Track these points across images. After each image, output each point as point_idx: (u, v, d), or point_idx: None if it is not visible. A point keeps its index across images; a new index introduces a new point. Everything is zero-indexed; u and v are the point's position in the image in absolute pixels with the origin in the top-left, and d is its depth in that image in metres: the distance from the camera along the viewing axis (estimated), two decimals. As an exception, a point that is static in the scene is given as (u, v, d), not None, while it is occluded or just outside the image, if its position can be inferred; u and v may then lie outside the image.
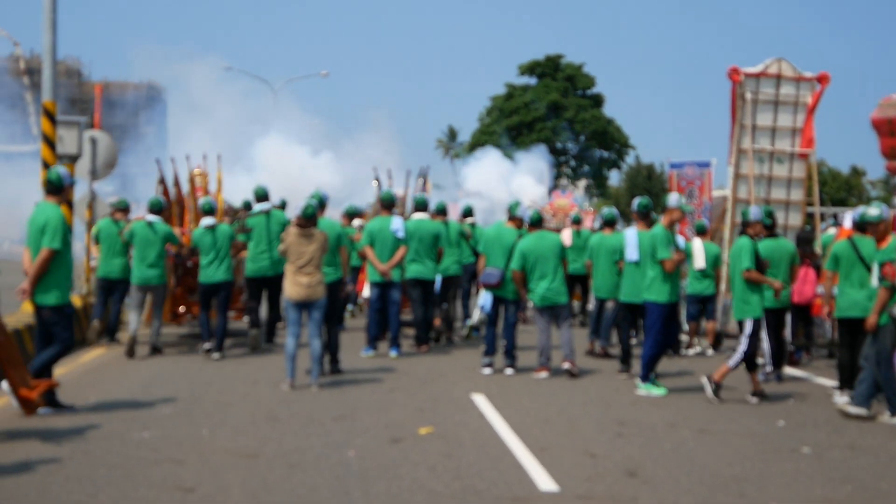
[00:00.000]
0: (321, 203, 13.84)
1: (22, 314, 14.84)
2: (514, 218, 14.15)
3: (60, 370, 13.04)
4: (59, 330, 10.23)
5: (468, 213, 18.68)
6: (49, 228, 10.02)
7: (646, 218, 13.92)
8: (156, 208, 14.98)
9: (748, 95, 17.95)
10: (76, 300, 15.92)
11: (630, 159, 74.74)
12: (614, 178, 77.91)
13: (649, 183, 73.62)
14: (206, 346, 14.66)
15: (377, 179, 21.34)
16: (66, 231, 10.23)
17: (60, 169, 10.58)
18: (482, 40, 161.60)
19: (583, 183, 73.89)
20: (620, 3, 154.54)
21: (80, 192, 17.66)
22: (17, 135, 53.05)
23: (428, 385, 12.48)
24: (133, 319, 14.57)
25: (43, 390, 9.24)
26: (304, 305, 11.98)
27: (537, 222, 13.81)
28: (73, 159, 16.52)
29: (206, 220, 14.77)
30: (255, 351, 15.18)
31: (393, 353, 14.82)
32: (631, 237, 13.64)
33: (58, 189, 10.46)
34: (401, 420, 10.28)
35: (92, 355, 14.71)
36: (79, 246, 17.75)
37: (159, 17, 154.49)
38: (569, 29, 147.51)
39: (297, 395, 11.57)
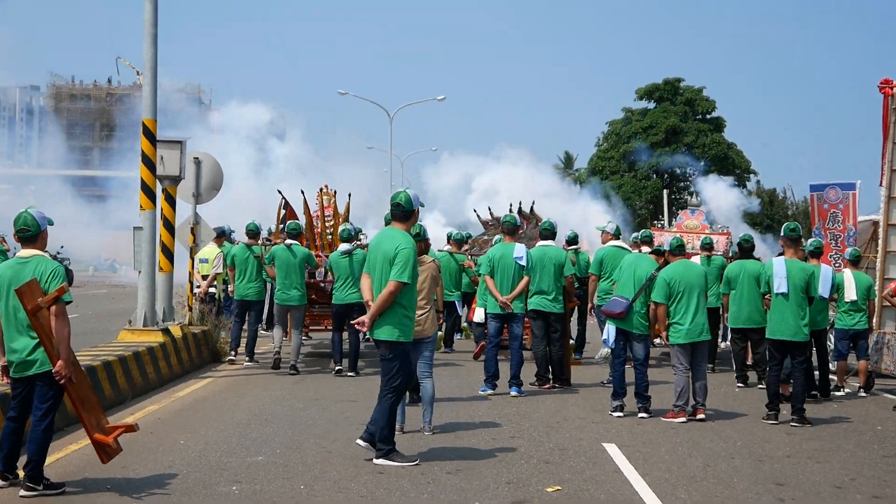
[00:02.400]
0: None
1: (117, 344, 14.00)
2: (659, 253, 13.14)
3: (153, 406, 12.21)
4: (388, 369, 9.35)
5: (573, 240, 18.13)
6: (400, 259, 9.11)
7: (796, 244, 12.52)
8: (294, 232, 15.84)
9: (903, 109, 16.31)
10: (175, 330, 15.08)
11: (751, 185, 72.38)
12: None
13: (771, 209, 71.29)
14: (338, 367, 15.30)
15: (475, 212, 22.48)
16: (416, 263, 9.38)
17: (410, 191, 9.64)
18: (599, 65, 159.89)
19: (703, 209, 71.62)
20: (741, 25, 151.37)
21: (182, 216, 16.83)
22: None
23: (553, 431, 11.16)
24: (277, 336, 15.74)
25: (119, 434, 8.15)
26: (413, 343, 10.76)
27: (679, 250, 12.58)
28: (174, 181, 15.70)
29: (344, 246, 15.28)
30: None
31: (514, 392, 13.60)
32: (779, 267, 12.26)
33: (407, 214, 9.48)
34: (524, 475, 8.98)
35: (191, 388, 13.82)
36: (182, 272, 17.11)
37: (278, 44, 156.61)
38: (688, 52, 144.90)
39: (407, 441, 10.31)
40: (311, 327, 18.49)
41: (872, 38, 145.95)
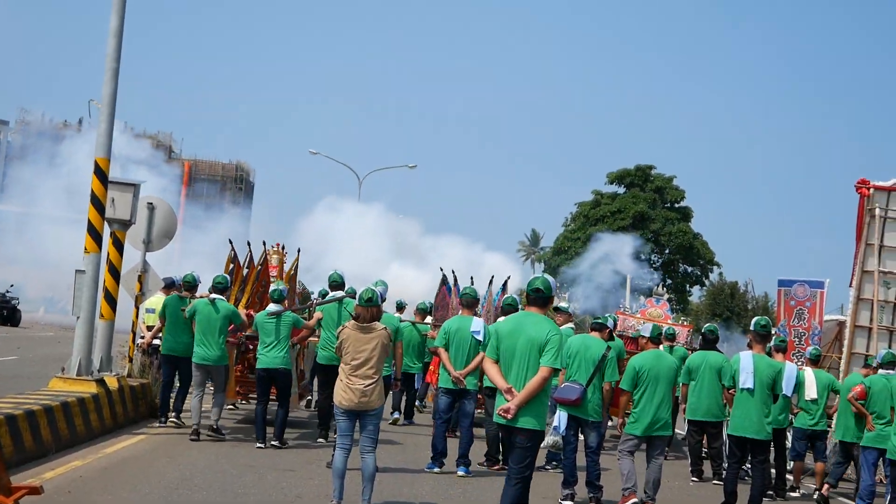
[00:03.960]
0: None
1: (46, 392, 13.23)
2: (601, 328, 12.67)
3: (77, 462, 11.48)
4: (522, 457, 8.77)
5: None
6: (552, 346, 8.64)
7: (765, 340, 12.11)
8: (220, 286, 14.69)
9: (877, 211, 16.03)
10: (111, 381, 14.34)
11: (714, 276, 72.59)
12: (695, 295, 75.77)
13: (732, 302, 71.50)
14: (259, 445, 13.83)
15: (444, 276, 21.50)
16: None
17: (548, 276, 9.15)
18: (572, 145, 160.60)
19: (664, 297, 71.61)
20: (716, 118, 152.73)
21: (130, 263, 16.14)
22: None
23: (498, 517, 10.53)
24: (194, 407, 14.19)
25: (21, 496, 7.43)
26: (356, 414, 10.15)
27: (658, 338, 12.26)
28: (124, 225, 15.01)
29: (272, 307, 14.11)
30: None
31: (461, 472, 13.00)
32: (746, 361, 11.82)
33: (546, 300, 8.99)
34: (465, 566, 8.37)
35: (122, 445, 13.06)
36: (122, 320, 16.42)
37: (251, 98, 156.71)
38: (660, 141, 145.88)
39: (343, 518, 9.70)
40: (249, 396, 16.93)
41: (845, 138, 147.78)
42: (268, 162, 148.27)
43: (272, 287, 14.71)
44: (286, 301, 14.55)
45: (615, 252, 40.56)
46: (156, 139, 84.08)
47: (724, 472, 12.73)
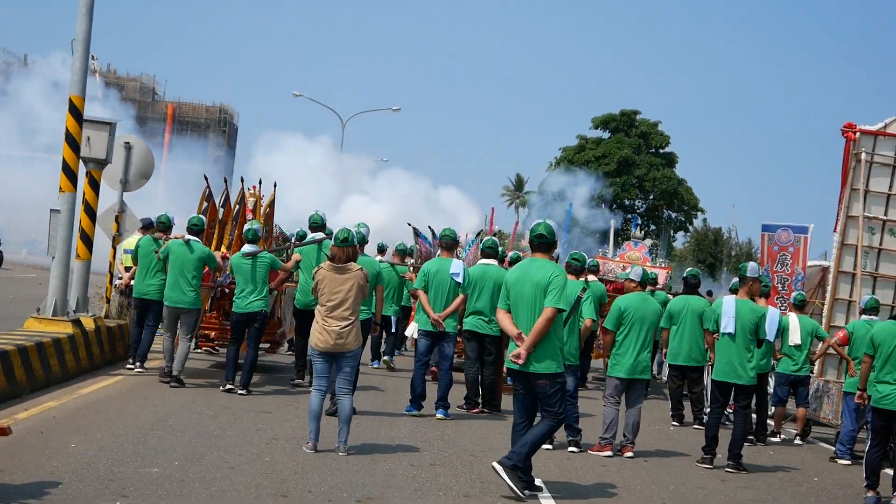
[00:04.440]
0: (362, 239, 12.52)
1: (21, 333, 13.07)
2: (577, 271, 12.55)
3: (51, 403, 11.36)
4: (552, 402, 8.97)
5: (516, 262, 17.43)
6: (555, 286, 8.88)
7: (746, 283, 11.95)
8: (195, 228, 14.20)
9: (863, 156, 15.84)
10: (88, 322, 14.18)
11: (698, 222, 72.67)
12: (679, 241, 75.96)
13: (715, 248, 71.71)
14: (228, 385, 13.46)
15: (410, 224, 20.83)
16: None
17: (550, 222, 9.32)
18: (558, 90, 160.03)
19: (648, 242, 71.62)
20: (702, 63, 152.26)
21: (107, 203, 15.89)
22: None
23: (477, 461, 10.42)
24: (166, 348, 13.88)
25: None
26: (332, 356, 10.04)
27: (647, 283, 12.21)
28: (100, 164, 14.78)
29: (247, 248, 13.72)
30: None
31: (440, 415, 12.94)
32: (728, 306, 11.68)
33: (550, 245, 9.20)
34: (441, 509, 8.29)
35: (98, 386, 12.95)
36: (101, 261, 16.20)
37: (235, 41, 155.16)
38: (646, 86, 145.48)
39: (318, 461, 9.58)
40: (220, 347, 16.49)
41: (831, 83, 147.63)
42: (252, 105, 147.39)
43: (246, 227, 14.27)
44: (262, 242, 14.28)
45: (570, 191, 40.38)
46: (139, 81, 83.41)
47: (705, 416, 12.68)
